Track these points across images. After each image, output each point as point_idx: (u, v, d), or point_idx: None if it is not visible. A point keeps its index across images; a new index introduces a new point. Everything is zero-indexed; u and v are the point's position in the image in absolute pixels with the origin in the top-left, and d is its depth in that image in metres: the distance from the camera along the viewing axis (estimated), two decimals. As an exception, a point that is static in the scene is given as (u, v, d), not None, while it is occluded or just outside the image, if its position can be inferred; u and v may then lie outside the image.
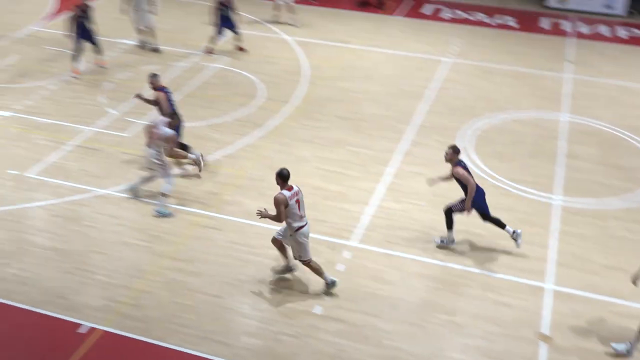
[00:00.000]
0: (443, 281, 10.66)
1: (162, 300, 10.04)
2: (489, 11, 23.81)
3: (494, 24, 22.40)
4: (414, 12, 23.18)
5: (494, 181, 13.31)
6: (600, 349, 9.36)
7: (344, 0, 24.06)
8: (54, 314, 9.71)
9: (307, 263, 10.14)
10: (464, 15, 23.35)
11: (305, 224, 9.91)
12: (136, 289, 10.23)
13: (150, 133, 11.83)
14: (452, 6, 23.94)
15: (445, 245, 11.31)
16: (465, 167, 10.86)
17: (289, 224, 9.84)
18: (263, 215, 9.77)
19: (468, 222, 11.50)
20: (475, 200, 10.78)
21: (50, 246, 11.12)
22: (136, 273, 10.56)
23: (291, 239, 9.99)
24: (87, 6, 16.97)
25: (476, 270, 10.82)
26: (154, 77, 13.18)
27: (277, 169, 9.82)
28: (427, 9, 23.74)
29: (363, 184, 13.18)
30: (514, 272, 10.84)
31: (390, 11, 23.21)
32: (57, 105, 15.66)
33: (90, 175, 13.07)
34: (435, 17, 23.01)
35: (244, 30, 19.15)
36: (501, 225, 11.11)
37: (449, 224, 11.22)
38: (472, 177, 10.82)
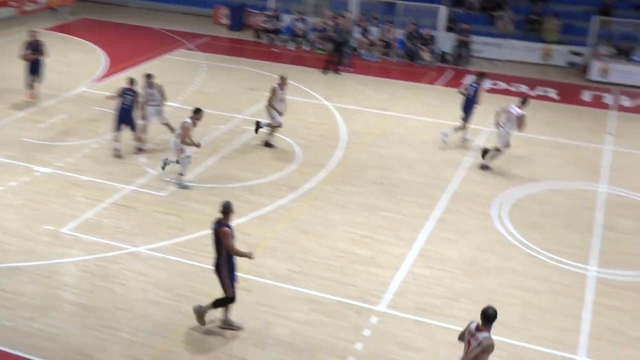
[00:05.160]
0: (471, 351, 10.36)
1: None
2: (531, 83, 23.84)
3: (534, 95, 22.28)
4: (455, 82, 23.27)
5: (529, 250, 13.06)
6: None
7: (388, 69, 24.38)
8: (76, 370, 9.68)
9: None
10: (504, 86, 23.41)
11: None
12: (160, 348, 10.16)
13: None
14: (494, 77, 23.94)
15: None
16: None
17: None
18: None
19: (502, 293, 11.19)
20: None
21: (77, 302, 11.14)
22: (161, 332, 10.50)
23: None
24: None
25: (507, 340, 10.50)
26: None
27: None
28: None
29: (393, 249, 13.05)
30: (546, 344, 10.50)
31: (430, 80, 23.40)
32: (98, 164, 15.98)
33: (123, 233, 13.23)
34: (475, 87, 23.08)
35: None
36: None
37: None
38: None
